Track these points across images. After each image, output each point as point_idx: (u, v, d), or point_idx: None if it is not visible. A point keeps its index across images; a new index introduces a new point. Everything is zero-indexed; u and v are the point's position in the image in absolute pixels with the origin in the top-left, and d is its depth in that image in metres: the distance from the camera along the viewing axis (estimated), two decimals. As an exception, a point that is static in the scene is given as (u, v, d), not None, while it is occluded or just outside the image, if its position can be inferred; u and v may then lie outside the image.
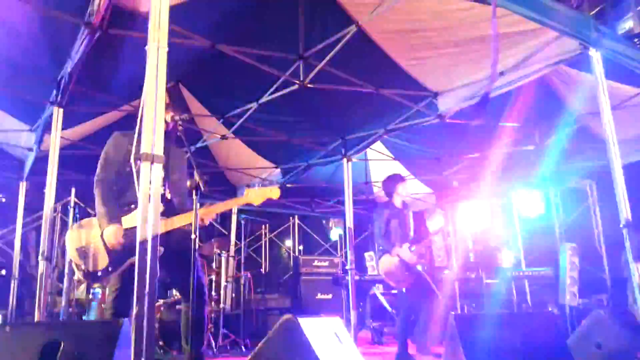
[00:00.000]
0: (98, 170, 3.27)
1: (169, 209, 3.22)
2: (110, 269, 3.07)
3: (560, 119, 6.17)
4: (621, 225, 3.76)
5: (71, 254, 3.08)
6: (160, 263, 3.13)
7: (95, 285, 6.05)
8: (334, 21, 4.49)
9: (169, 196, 3.31)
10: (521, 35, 4.23)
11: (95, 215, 3.19)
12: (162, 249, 3.12)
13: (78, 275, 3.15)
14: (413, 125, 5.93)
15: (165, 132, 3.28)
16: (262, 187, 3.43)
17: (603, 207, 8.10)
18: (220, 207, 3.35)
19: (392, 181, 5.47)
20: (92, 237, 3.11)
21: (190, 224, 2.96)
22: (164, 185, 3.31)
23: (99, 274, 3.07)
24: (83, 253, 3.08)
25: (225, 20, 4.53)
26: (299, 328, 2.86)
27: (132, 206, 3.13)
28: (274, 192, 3.41)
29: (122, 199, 3.18)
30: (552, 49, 4.30)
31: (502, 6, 3.55)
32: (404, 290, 5.19)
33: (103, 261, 3.06)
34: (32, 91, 5.05)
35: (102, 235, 3.07)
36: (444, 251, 9.32)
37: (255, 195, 3.37)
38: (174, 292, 6.00)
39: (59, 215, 8.29)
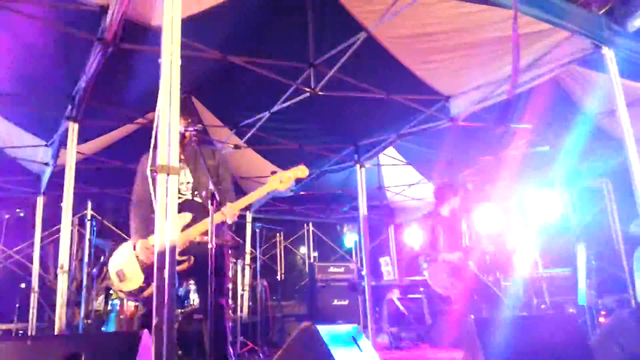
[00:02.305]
0: (134, 192, 3.38)
1: (201, 213, 3.16)
2: (146, 284, 3.11)
3: (574, 119, 6.13)
4: (634, 224, 3.72)
5: (112, 279, 3.20)
6: (191, 272, 3.16)
7: (114, 297, 6.11)
8: (344, 28, 4.50)
9: (199, 200, 3.31)
10: (533, 36, 4.21)
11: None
12: (192, 258, 3.15)
13: (120, 296, 3.23)
14: (425, 129, 5.92)
15: (184, 143, 3.35)
16: (285, 171, 3.24)
17: (620, 206, 8.00)
18: (244, 201, 3.21)
19: (448, 191, 5.43)
20: (126, 259, 3.18)
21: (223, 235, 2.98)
22: (193, 190, 3.34)
23: (136, 291, 3.13)
24: (120, 275, 3.15)
25: (235, 31, 4.58)
26: (317, 336, 2.86)
27: None
28: (302, 172, 3.22)
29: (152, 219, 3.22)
30: (564, 48, 4.27)
31: (513, 8, 3.54)
32: (452, 297, 5.12)
33: (139, 278, 3.11)
34: (48, 107, 5.13)
35: (136, 256, 3.13)
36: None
37: (279, 181, 3.20)
38: (192, 301, 6.02)
39: (77, 228, 8.38)
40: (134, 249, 3.16)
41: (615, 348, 4.26)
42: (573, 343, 3.66)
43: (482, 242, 5.42)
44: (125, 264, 3.17)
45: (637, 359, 4.07)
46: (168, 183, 2.38)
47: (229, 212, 3.13)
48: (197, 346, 5.66)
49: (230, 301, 6.68)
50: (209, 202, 2.98)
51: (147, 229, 3.17)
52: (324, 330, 2.91)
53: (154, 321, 2.23)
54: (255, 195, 3.23)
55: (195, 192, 3.34)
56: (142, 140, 3.23)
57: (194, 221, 3.18)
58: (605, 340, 4.44)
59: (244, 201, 3.20)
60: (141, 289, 3.11)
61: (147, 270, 3.11)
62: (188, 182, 3.35)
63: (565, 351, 3.57)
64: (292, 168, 3.24)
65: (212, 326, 2.94)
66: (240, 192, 8.41)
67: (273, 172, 3.27)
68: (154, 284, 3.06)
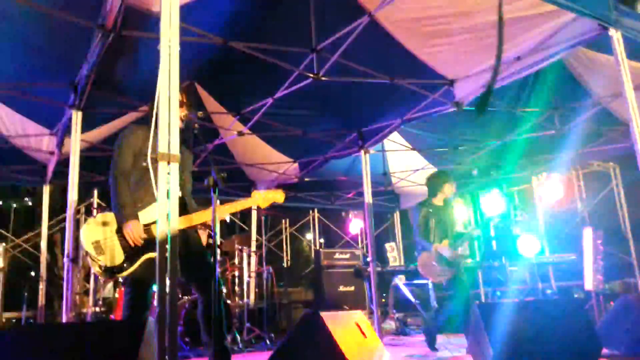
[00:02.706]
0: (114, 163, 3.27)
1: (182, 208, 3.25)
2: (125, 265, 3.11)
3: (580, 102, 6.06)
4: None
5: (87, 247, 3.09)
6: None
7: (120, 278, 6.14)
8: (346, 12, 4.45)
9: (180, 194, 3.34)
10: (538, 17, 4.15)
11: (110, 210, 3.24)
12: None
13: (95, 269, 3.18)
14: (430, 114, 5.87)
15: (181, 130, 3.35)
16: (268, 191, 3.54)
17: (627, 190, 7.95)
18: (227, 209, 3.42)
19: (439, 179, 5.43)
20: (108, 232, 3.13)
21: (203, 224, 3.02)
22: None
23: (115, 270, 3.10)
24: (98, 248, 3.11)
25: (237, 17, 4.53)
26: (321, 322, 2.86)
27: (139, 205, 3.18)
28: (279, 197, 3.52)
29: (136, 196, 3.21)
30: (570, 30, 4.20)
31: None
32: (443, 283, 5.18)
33: (119, 257, 3.10)
34: (51, 95, 5.12)
35: (117, 231, 3.11)
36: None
37: (261, 198, 3.48)
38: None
39: (83, 216, 8.44)
40: (120, 224, 3.14)
41: (621, 332, 4.26)
42: (579, 328, 3.65)
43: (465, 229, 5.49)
44: (106, 236, 3.15)
45: (643, 343, 4.07)
46: (170, 171, 2.38)
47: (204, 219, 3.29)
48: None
49: (236, 288, 6.74)
50: (211, 190, 3.00)
51: (135, 205, 3.15)
52: (328, 316, 2.92)
53: (157, 310, 2.24)
54: (238, 206, 3.50)
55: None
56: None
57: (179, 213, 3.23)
58: (611, 325, 4.44)
59: (229, 208, 3.42)
60: (120, 268, 3.10)
61: (127, 250, 3.11)
62: None
63: (572, 336, 3.57)
64: (272, 190, 3.58)
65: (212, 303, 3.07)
66: (244, 179, 8.45)
67: (254, 189, 3.65)
68: (136, 264, 3.11)
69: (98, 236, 3.13)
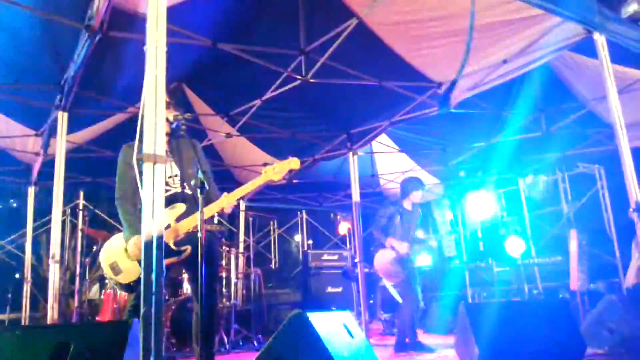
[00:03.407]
0: (116, 191, 3.28)
1: (192, 206, 3.20)
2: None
3: (566, 104, 6.13)
4: (631, 209, 3.73)
5: (106, 272, 3.14)
6: (185, 262, 3.17)
7: (108, 286, 6.11)
8: (335, 14, 4.47)
9: (189, 192, 3.30)
10: (524, 21, 4.19)
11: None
12: (189, 247, 3.15)
13: (117, 287, 3.20)
14: (418, 116, 5.91)
15: (171, 131, 3.32)
16: (279, 162, 3.35)
17: (612, 192, 8.03)
18: (240, 191, 3.25)
19: (410, 185, 5.49)
20: (120, 251, 3.14)
21: (213, 223, 2.98)
22: (181, 183, 3.32)
23: (132, 284, 3.11)
24: (115, 268, 3.12)
25: (225, 19, 4.53)
26: (308, 323, 2.86)
27: None
28: (294, 163, 3.33)
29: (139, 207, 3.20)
30: (556, 34, 4.26)
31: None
32: (397, 285, 5.29)
33: (135, 272, 3.09)
34: (37, 96, 5.08)
35: (125, 249, 3.11)
36: (453, 241, 9.33)
37: (273, 172, 3.30)
38: (185, 289, 6.04)
39: (69, 218, 8.36)
40: (127, 242, 3.13)
41: (605, 332, 4.31)
42: (564, 327, 3.69)
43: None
44: (119, 256, 3.15)
45: (626, 342, 4.12)
46: (155, 172, 2.37)
47: (226, 202, 3.15)
48: (191, 334, 5.67)
49: (223, 289, 6.72)
50: (199, 190, 2.98)
51: (133, 222, 3.15)
52: (315, 317, 2.92)
53: (142, 310, 2.23)
54: (250, 186, 3.29)
55: (184, 184, 3.32)
56: (133, 130, 3.20)
57: (187, 212, 3.18)
58: (595, 325, 4.49)
59: (240, 191, 3.24)
60: (137, 281, 3.08)
61: (140, 263, 3.10)
62: (176, 175, 3.32)
63: (556, 335, 3.61)
64: (284, 160, 3.35)
65: (205, 312, 2.97)
66: (233, 180, 8.43)
67: (265, 164, 3.36)
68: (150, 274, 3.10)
69: (114, 257, 3.15)
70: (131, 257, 3.07)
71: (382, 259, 5.24)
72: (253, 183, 3.33)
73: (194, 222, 3.11)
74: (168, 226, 3.06)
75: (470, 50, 4.39)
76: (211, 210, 3.19)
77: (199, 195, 2.93)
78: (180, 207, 3.18)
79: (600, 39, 3.97)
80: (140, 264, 3.06)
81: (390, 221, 5.32)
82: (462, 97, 5.33)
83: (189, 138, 3.42)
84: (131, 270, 3.10)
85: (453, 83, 4.80)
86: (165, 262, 2.33)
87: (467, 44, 3.93)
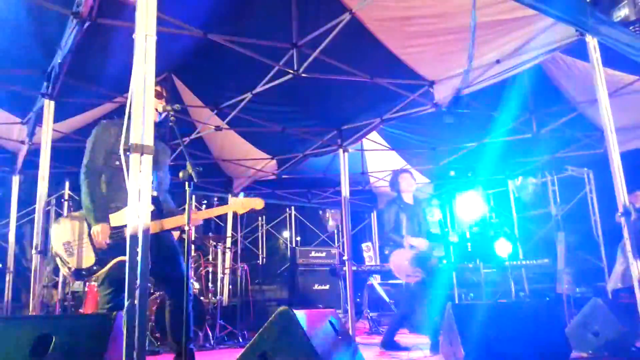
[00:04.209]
0: (85, 159, 3.18)
1: (158, 208, 3.20)
2: (95, 267, 3.02)
3: (556, 107, 6.14)
4: (619, 214, 3.74)
5: (57, 248, 3.02)
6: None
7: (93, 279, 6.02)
8: (328, 9, 4.43)
9: (155, 194, 3.26)
10: (517, 22, 4.19)
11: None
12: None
13: (63, 271, 3.09)
14: (409, 114, 5.89)
15: (157, 123, 3.28)
16: (247, 198, 3.48)
17: (600, 195, 8.09)
18: (204, 214, 3.45)
19: (394, 176, 5.44)
20: (79, 233, 3.05)
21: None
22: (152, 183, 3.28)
23: (83, 272, 3.02)
24: (69, 249, 3.02)
25: (217, 9, 4.46)
26: (294, 319, 2.83)
27: (113, 205, 3.09)
28: (258, 204, 3.44)
29: (108, 197, 3.12)
30: (548, 36, 4.25)
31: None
32: (412, 284, 5.14)
33: (89, 259, 3.01)
34: (23, 83, 4.98)
35: (89, 233, 3.02)
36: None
37: (239, 205, 3.41)
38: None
39: (53, 208, 8.26)
40: (89, 226, 3.05)
41: (589, 335, 4.33)
42: (550, 330, 3.70)
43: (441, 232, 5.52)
44: (76, 237, 3.06)
45: (610, 345, 4.14)
46: (142, 163, 2.32)
47: (192, 219, 3.21)
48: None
49: (209, 284, 6.67)
50: (186, 183, 2.94)
51: (108, 206, 3.08)
52: (301, 314, 2.89)
53: (126, 303, 2.18)
54: (215, 212, 3.56)
55: (155, 187, 3.28)
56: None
57: (153, 214, 3.16)
58: (580, 327, 4.51)
59: (205, 214, 3.50)
60: (90, 270, 3.02)
61: (98, 252, 3.03)
62: None
63: (542, 338, 3.61)
64: (252, 198, 3.50)
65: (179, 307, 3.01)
66: (221, 174, 8.38)
67: (234, 195, 3.71)
68: (107, 267, 3.03)
69: (69, 237, 3.05)
70: (96, 245, 3.00)
71: (400, 257, 5.09)
72: (218, 210, 3.57)
73: (159, 228, 3.12)
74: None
75: (466, 50, 4.36)
76: (172, 222, 3.18)
77: (186, 187, 2.91)
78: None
79: (592, 42, 3.97)
80: (97, 254, 3.02)
81: (397, 220, 5.22)
82: (454, 96, 5.30)
83: (174, 137, 3.37)
84: (85, 256, 3.02)
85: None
86: (124, 258, 2.27)
87: (471, 42, 3.85)
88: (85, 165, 3.16)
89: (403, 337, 5.29)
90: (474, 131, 6.96)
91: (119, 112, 5.66)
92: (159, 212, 3.17)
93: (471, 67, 4.14)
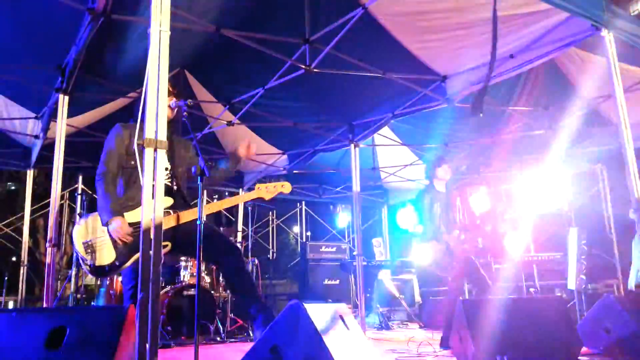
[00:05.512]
0: (101, 164, 3.23)
1: (179, 201, 3.25)
2: (117, 263, 3.06)
3: (570, 102, 6.08)
4: (632, 209, 3.70)
5: (78, 247, 3.08)
6: (175, 252, 3.19)
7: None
8: (340, 4, 4.42)
9: (176, 187, 3.30)
10: (531, 16, 4.15)
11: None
12: (169, 244, 3.14)
13: (85, 269, 3.14)
14: (421, 109, 5.86)
15: (170, 119, 3.31)
16: (272, 182, 3.49)
17: (614, 191, 8.01)
18: (227, 202, 3.41)
19: (432, 165, 5.25)
20: (98, 231, 3.09)
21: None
22: (170, 177, 3.31)
23: (106, 269, 3.07)
24: (89, 247, 3.07)
25: (230, 5, 4.48)
26: (305, 313, 2.84)
27: (131, 203, 3.14)
28: (286, 187, 3.46)
29: (127, 195, 3.17)
30: (563, 30, 4.21)
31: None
32: (449, 279, 4.99)
33: (109, 256, 3.06)
34: (37, 78, 5.02)
35: (107, 230, 3.06)
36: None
37: (266, 191, 3.43)
38: (182, 277, 6.03)
39: (67, 202, 8.34)
40: (107, 224, 3.09)
41: (601, 332, 4.30)
42: (560, 326, 3.67)
43: (477, 222, 5.32)
44: (97, 236, 3.11)
45: (622, 342, 4.11)
46: (156, 158, 2.33)
47: (216, 208, 3.27)
48: (186, 322, 5.68)
49: (220, 279, 6.71)
50: (199, 178, 2.98)
51: (126, 204, 3.13)
52: (312, 308, 2.90)
53: (139, 297, 2.21)
54: (239, 199, 3.54)
55: (174, 179, 3.31)
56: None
57: (173, 206, 3.19)
58: (592, 324, 4.48)
59: (227, 202, 3.46)
60: (110, 267, 3.06)
61: (118, 249, 3.06)
62: (166, 168, 3.30)
63: (553, 334, 3.59)
64: (279, 182, 3.53)
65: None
66: (233, 169, 8.39)
67: (260, 181, 3.61)
68: (128, 263, 3.07)
69: (88, 236, 3.10)
70: (121, 239, 3.04)
71: (434, 248, 4.92)
72: (244, 197, 3.47)
73: (178, 220, 3.15)
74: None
75: (480, 44, 4.33)
76: (188, 216, 3.21)
77: (199, 182, 2.94)
78: (168, 201, 3.19)
79: (608, 36, 3.92)
80: (117, 249, 3.06)
81: (431, 211, 4.96)
82: (467, 92, 5.27)
83: (187, 132, 3.39)
84: (105, 253, 3.06)
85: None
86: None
87: (494, 39, 3.79)
88: (101, 170, 3.21)
89: (416, 333, 5.26)
90: (486, 126, 6.92)
91: (133, 108, 5.72)
92: (179, 205, 3.24)
93: (495, 58, 4.04)
